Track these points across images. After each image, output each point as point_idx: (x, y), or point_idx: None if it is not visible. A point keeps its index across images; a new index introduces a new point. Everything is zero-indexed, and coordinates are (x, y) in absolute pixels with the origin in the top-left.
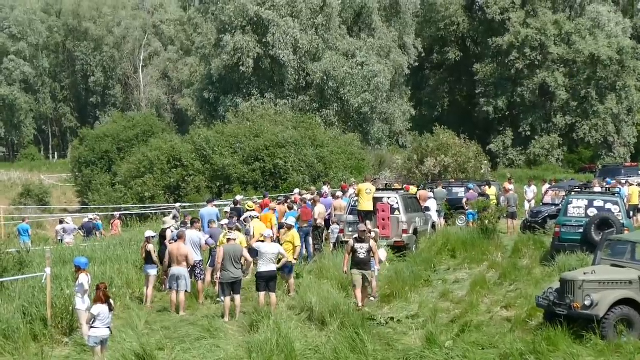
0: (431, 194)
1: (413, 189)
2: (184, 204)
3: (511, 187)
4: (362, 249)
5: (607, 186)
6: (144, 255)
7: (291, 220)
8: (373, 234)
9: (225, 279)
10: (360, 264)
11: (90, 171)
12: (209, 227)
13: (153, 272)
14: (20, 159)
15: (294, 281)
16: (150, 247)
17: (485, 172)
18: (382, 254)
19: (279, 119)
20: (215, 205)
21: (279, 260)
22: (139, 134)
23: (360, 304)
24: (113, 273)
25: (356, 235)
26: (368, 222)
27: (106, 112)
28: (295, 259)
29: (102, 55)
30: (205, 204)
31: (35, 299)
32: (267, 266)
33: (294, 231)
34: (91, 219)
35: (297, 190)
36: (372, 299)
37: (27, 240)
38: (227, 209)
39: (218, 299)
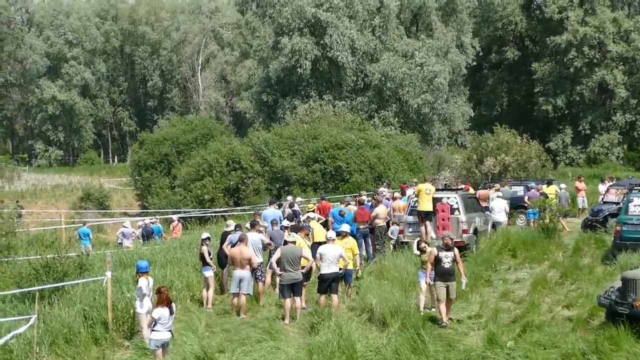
0: (498, 194)
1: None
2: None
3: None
4: (447, 258)
5: None
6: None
7: (346, 227)
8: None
9: (285, 281)
10: (446, 274)
11: (149, 175)
12: (272, 228)
13: (209, 273)
14: (80, 163)
15: (351, 289)
16: (204, 249)
17: (546, 170)
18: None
19: (335, 120)
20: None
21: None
22: (197, 137)
23: (444, 319)
24: (173, 276)
25: (439, 244)
26: (428, 222)
27: (164, 116)
28: (357, 267)
29: (160, 59)
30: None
31: (96, 302)
32: (330, 268)
33: (352, 239)
34: (146, 223)
35: (380, 189)
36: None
37: (88, 244)
38: (287, 210)
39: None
